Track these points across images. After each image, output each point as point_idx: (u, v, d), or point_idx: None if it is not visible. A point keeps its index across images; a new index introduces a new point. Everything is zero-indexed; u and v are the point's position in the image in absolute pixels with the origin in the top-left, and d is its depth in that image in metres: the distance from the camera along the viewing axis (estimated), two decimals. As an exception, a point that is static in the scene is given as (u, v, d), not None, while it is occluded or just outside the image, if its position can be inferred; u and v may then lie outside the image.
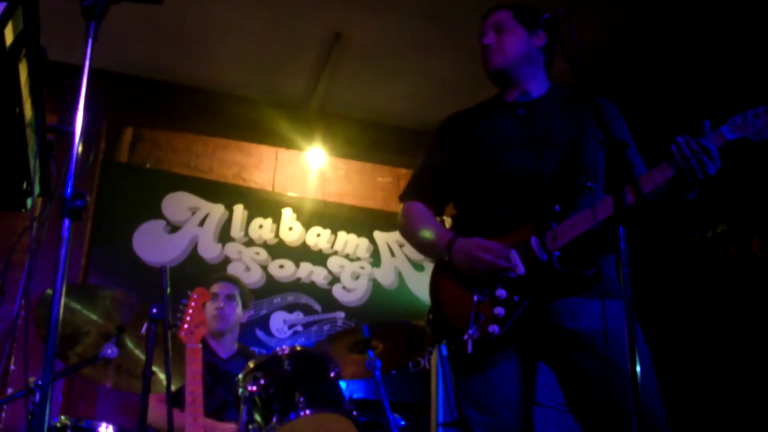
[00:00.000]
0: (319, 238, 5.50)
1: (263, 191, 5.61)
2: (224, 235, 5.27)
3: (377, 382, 3.19)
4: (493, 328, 2.16)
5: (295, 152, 5.72)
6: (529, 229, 2.24)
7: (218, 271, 4.99)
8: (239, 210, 5.36)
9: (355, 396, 4.78)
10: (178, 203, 5.24)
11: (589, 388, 2.14)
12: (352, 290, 5.45)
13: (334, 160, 5.84)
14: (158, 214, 5.15)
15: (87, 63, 1.65)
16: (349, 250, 5.54)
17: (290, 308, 5.25)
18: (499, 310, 2.18)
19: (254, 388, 2.73)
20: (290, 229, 5.45)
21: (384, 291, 5.53)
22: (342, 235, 5.55)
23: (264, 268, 5.29)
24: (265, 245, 5.35)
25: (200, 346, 2.86)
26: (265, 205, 5.46)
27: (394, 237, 5.60)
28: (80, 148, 1.60)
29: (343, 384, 3.17)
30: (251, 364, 2.82)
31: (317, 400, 2.72)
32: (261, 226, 5.38)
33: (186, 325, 2.87)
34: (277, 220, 5.44)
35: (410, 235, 2.53)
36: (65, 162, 1.58)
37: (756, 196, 4.08)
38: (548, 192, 2.26)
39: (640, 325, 1.99)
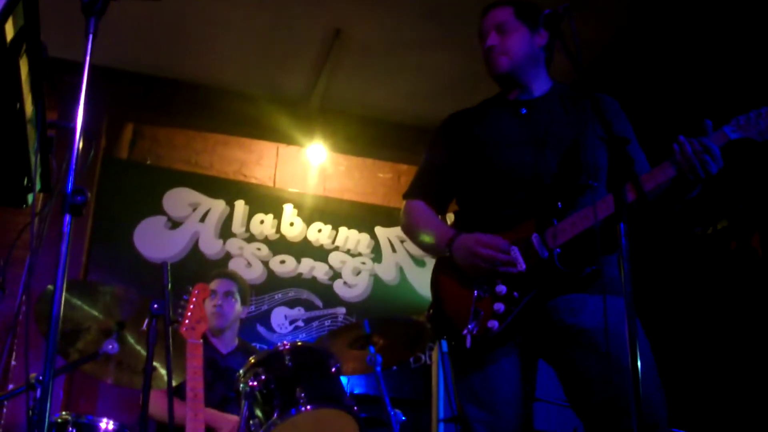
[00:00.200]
0: (320, 233, 5.50)
1: (264, 187, 5.60)
2: (225, 231, 5.27)
3: (378, 377, 3.20)
4: (492, 324, 2.17)
5: (296, 148, 5.72)
6: (530, 226, 2.24)
7: (219, 266, 4.98)
8: (240, 206, 5.36)
9: (356, 391, 4.79)
10: (178, 199, 5.24)
11: (589, 387, 2.14)
12: (353, 286, 5.45)
13: (335, 156, 5.83)
14: (159, 210, 5.15)
15: (87, 59, 1.65)
16: (350, 245, 5.54)
17: (291, 304, 5.25)
18: (499, 306, 2.18)
19: (255, 383, 2.73)
20: (291, 224, 5.45)
21: (385, 286, 5.52)
22: (343, 230, 5.55)
23: (265, 263, 5.29)
24: (266, 241, 5.35)
25: (201, 341, 2.87)
26: (266, 200, 5.46)
27: (395, 232, 5.59)
28: (81, 145, 1.60)
29: (344, 379, 3.17)
30: (252, 360, 2.82)
31: (318, 395, 2.72)
32: (262, 222, 5.38)
33: (187, 321, 2.88)
34: (278, 215, 5.43)
35: (412, 234, 2.53)
36: (66, 158, 1.58)
37: (756, 192, 4.08)
38: (549, 190, 2.26)
39: (641, 322, 1.99)
